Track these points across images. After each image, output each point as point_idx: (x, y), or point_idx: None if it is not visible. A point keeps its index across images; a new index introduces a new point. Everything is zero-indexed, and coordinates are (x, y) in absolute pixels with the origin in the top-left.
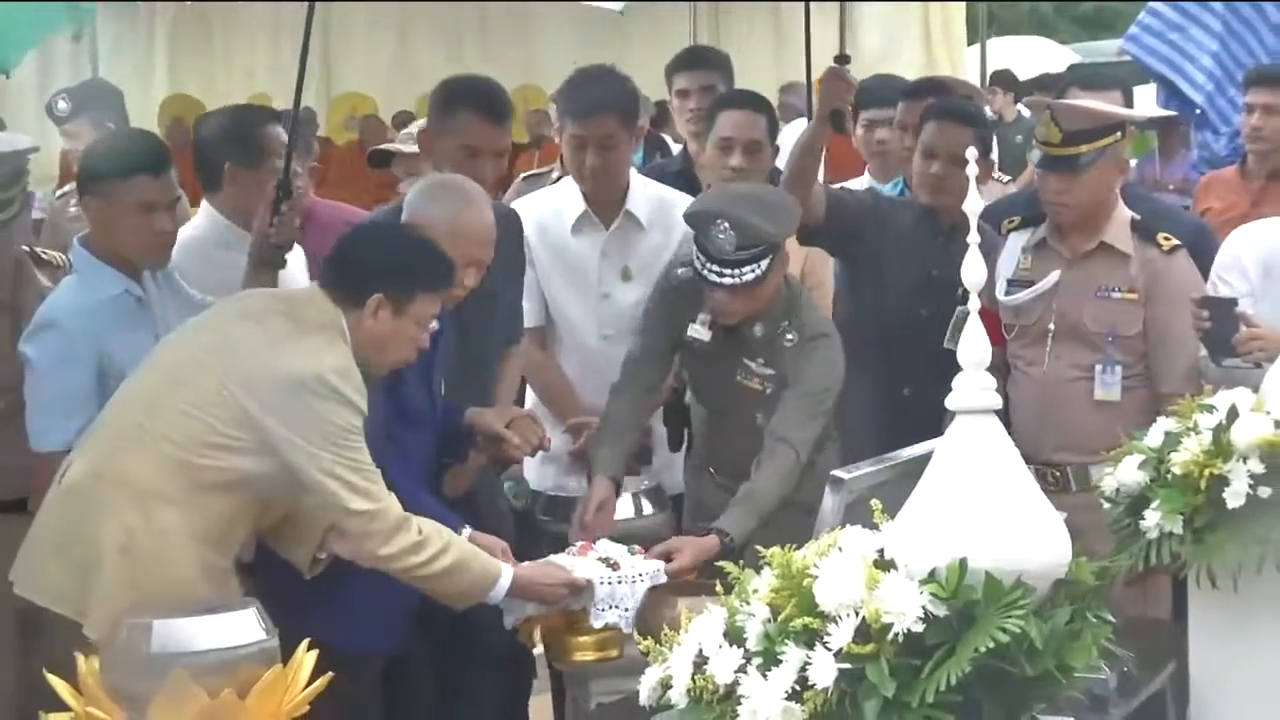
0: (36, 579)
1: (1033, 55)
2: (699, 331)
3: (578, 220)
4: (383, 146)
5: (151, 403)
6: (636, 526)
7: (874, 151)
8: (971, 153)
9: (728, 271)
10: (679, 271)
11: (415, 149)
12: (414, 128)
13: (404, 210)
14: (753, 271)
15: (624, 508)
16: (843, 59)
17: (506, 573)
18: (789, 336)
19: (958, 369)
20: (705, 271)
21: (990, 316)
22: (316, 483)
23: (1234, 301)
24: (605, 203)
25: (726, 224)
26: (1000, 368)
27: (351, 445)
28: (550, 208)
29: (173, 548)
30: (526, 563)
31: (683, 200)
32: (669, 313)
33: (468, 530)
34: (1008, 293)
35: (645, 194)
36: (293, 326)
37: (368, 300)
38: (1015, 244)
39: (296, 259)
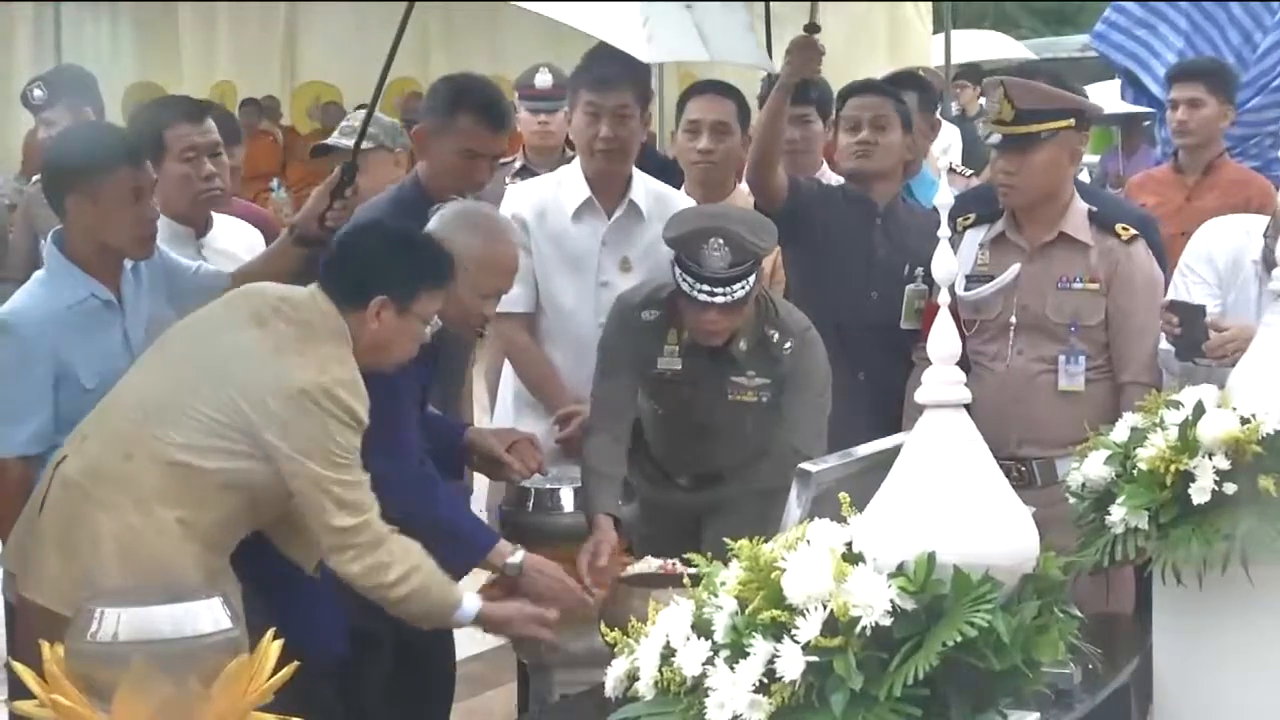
0: (40, 578)
1: (991, 50)
2: (670, 363)
3: (579, 208)
4: (328, 141)
5: (157, 402)
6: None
7: (784, 150)
8: (941, 147)
9: (719, 290)
10: (644, 315)
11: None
12: (352, 120)
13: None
14: (743, 288)
15: None
16: (812, 28)
17: (470, 601)
18: (787, 345)
19: (909, 352)
20: (696, 294)
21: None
22: (303, 493)
23: (1202, 310)
24: (609, 189)
25: (720, 240)
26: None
27: (345, 462)
28: (550, 194)
29: (172, 547)
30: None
31: (679, 197)
32: (634, 351)
33: (520, 553)
34: (967, 288)
35: (646, 187)
36: (299, 332)
37: (370, 303)
38: (972, 240)
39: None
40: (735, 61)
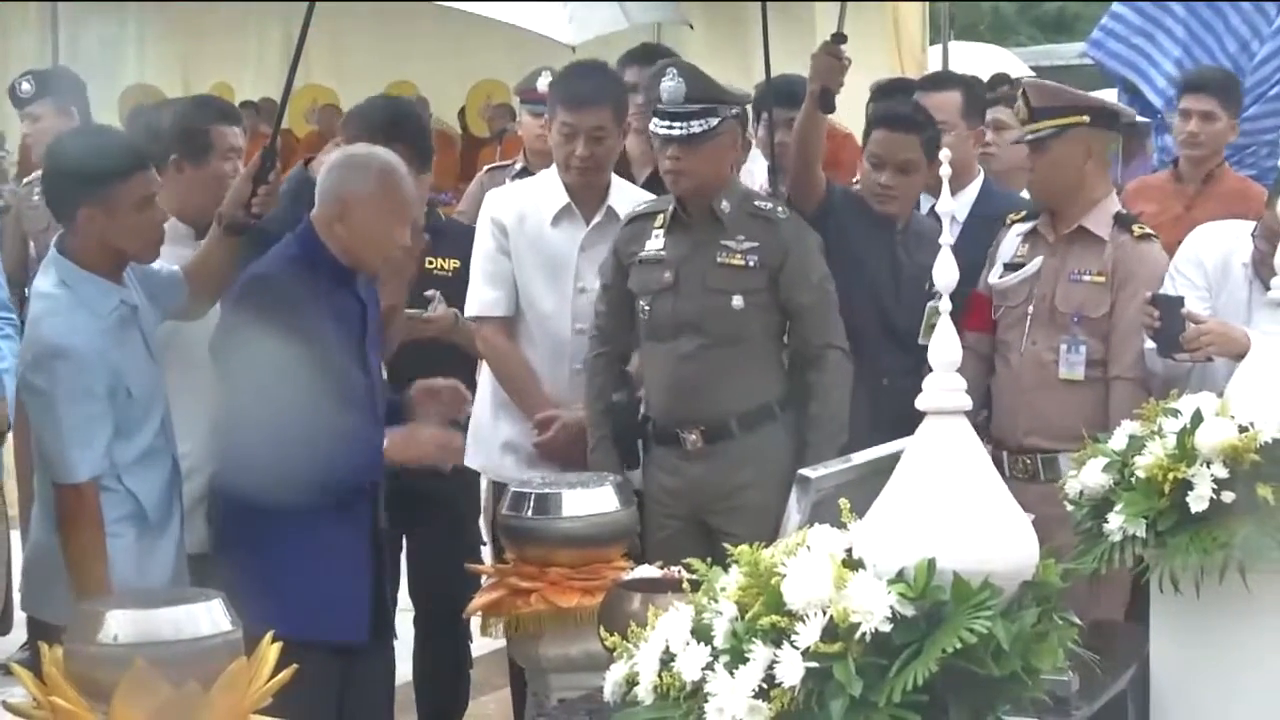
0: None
1: (987, 64)
2: (655, 244)
3: (558, 213)
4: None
5: None
6: (598, 521)
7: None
8: (945, 155)
9: (677, 124)
10: (636, 207)
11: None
12: None
13: (322, 188)
14: (701, 124)
15: (589, 503)
16: (839, 37)
17: None
18: (781, 210)
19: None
20: (657, 130)
21: (984, 302)
22: None
23: (1180, 301)
24: (587, 197)
25: (675, 70)
26: (989, 355)
27: None
28: (530, 199)
29: None
30: None
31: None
32: (624, 246)
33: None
34: (1001, 276)
35: (626, 194)
36: None
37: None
38: (1017, 233)
39: None
40: (649, 19)
